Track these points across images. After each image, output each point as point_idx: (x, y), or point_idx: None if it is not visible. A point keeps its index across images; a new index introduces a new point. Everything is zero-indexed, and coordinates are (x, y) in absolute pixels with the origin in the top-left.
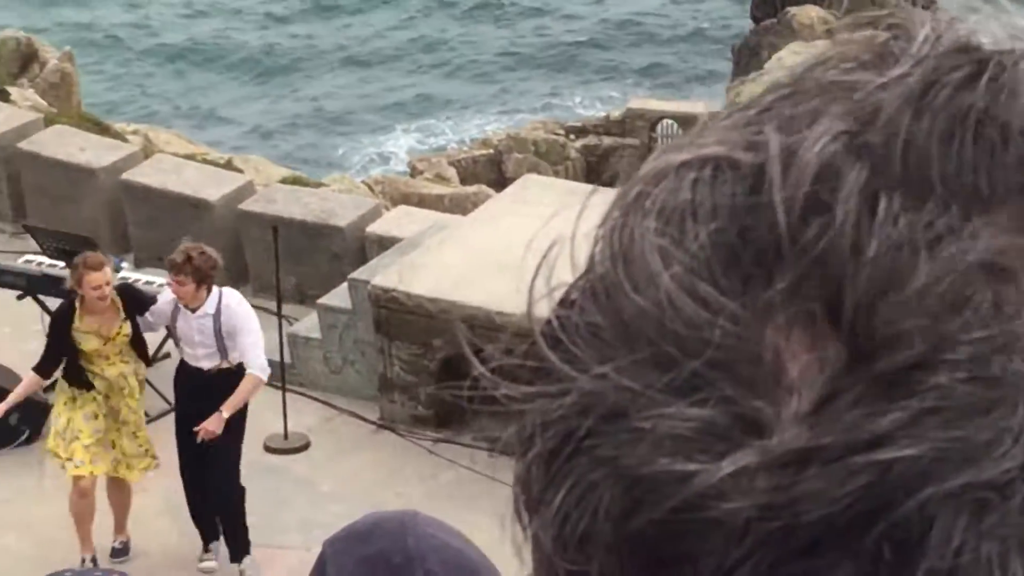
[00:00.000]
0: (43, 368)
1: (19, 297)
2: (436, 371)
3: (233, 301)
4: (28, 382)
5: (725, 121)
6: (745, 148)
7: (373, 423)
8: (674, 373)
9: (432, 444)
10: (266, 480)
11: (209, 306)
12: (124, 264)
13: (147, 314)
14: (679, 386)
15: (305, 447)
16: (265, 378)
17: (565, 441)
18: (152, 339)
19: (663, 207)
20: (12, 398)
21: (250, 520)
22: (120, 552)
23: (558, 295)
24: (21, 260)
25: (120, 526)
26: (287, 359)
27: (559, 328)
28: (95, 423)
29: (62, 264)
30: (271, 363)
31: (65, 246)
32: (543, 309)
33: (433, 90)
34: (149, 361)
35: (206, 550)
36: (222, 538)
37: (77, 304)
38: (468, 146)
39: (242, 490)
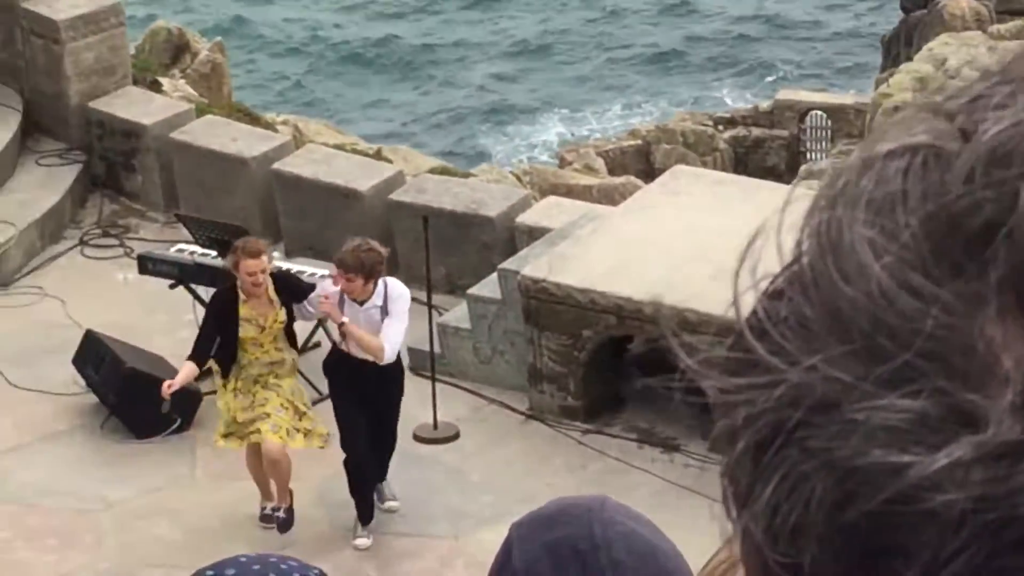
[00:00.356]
0: (198, 356)
1: (172, 286)
2: (586, 362)
3: (397, 291)
4: (186, 371)
5: (929, 110)
6: (955, 137)
7: (522, 413)
8: (886, 364)
9: (581, 434)
10: (415, 470)
11: (377, 298)
12: (275, 254)
13: (305, 303)
14: (891, 377)
15: (455, 437)
16: (384, 359)
17: (774, 433)
18: (300, 329)
19: (871, 197)
20: (177, 384)
21: (399, 510)
22: (283, 521)
23: (763, 286)
24: (173, 249)
25: (282, 493)
26: (437, 349)
27: (766, 320)
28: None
29: (214, 253)
30: (421, 353)
31: (217, 235)
32: (748, 301)
33: (578, 82)
34: (299, 350)
35: (362, 524)
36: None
37: (239, 287)
38: (616, 137)
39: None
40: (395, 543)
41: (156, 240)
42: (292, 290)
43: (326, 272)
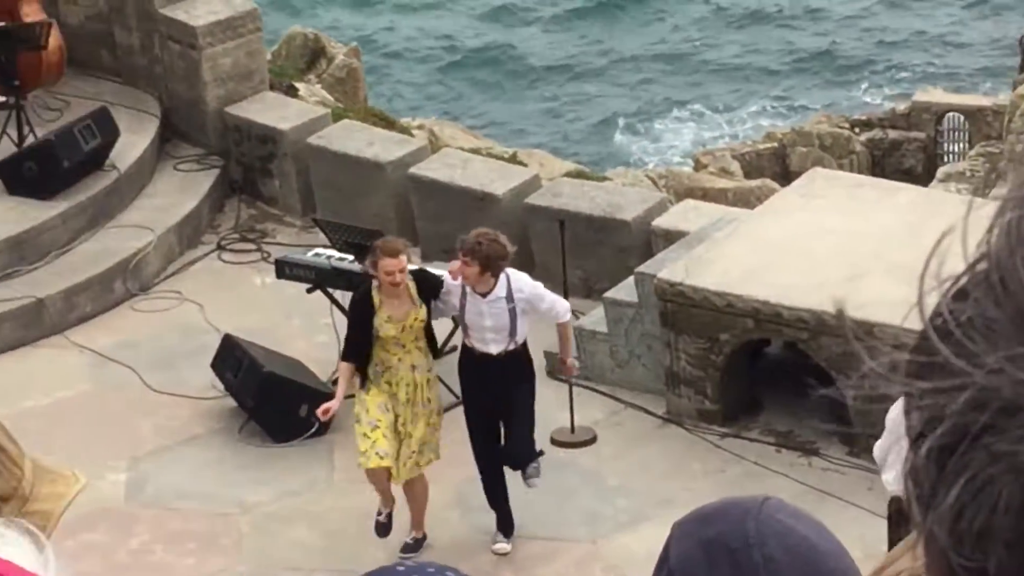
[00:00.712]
0: (350, 356)
1: (309, 290)
2: (723, 365)
3: (522, 281)
4: (344, 374)
5: None
6: None
7: (659, 417)
8: None
9: (719, 438)
10: (552, 473)
11: (500, 290)
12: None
13: (438, 301)
14: None
15: (592, 441)
16: (567, 316)
17: (959, 436)
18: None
19: None
20: (340, 394)
21: (536, 513)
22: (411, 548)
23: (948, 288)
24: (310, 254)
25: (417, 523)
26: (574, 352)
27: (952, 322)
28: (389, 416)
29: (351, 257)
30: (558, 357)
31: (353, 240)
32: (932, 301)
33: (709, 86)
34: (437, 353)
35: (503, 534)
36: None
37: (375, 290)
38: (752, 140)
39: (535, 452)
40: (532, 547)
41: (293, 244)
42: (430, 286)
43: None
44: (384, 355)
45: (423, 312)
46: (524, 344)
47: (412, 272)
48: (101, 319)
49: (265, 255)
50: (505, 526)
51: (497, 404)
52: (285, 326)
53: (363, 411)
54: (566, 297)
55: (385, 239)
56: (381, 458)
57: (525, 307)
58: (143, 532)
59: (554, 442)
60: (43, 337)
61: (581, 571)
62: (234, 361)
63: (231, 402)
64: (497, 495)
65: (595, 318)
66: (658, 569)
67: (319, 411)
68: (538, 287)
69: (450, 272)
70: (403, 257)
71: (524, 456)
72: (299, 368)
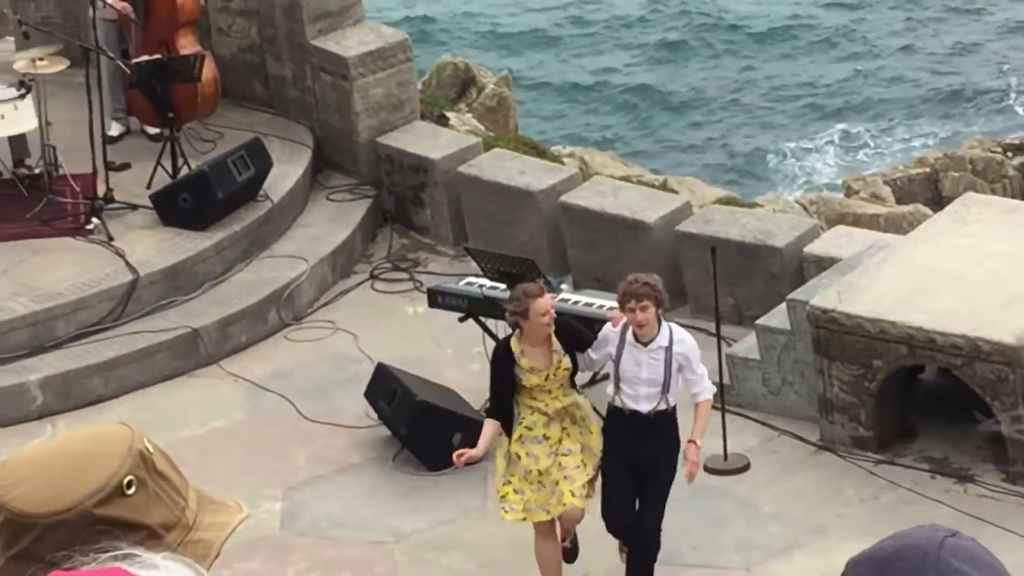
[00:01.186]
0: (496, 411)
1: (461, 319)
2: (877, 392)
3: (684, 334)
4: (488, 430)
5: None
6: None
7: (813, 444)
8: None
9: (873, 465)
10: (706, 501)
11: (662, 339)
12: (563, 286)
13: (589, 351)
14: None
15: (745, 468)
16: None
17: None
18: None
19: None
20: (482, 447)
21: (690, 540)
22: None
23: None
24: (463, 283)
25: (566, 533)
26: (726, 380)
27: None
28: (540, 463)
29: (503, 287)
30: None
31: (506, 269)
32: None
33: (856, 111)
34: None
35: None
36: None
37: (514, 341)
38: (903, 165)
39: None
40: (686, 574)
41: (445, 273)
42: (575, 339)
43: (614, 304)
44: (533, 403)
45: (567, 361)
46: (674, 409)
47: (556, 321)
48: (255, 349)
49: (417, 284)
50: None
51: (639, 465)
52: (437, 355)
53: (503, 464)
54: (718, 325)
55: (524, 287)
56: (505, 512)
57: (682, 361)
58: (299, 561)
59: (707, 469)
60: (198, 367)
61: None
62: (387, 390)
63: (384, 431)
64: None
65: (747, 345)
66: None
67: (456, 456)
68: (697, 349)
69: (612, 321)
70: (548, 296)
71: (654, 528)
72: (452, 397)
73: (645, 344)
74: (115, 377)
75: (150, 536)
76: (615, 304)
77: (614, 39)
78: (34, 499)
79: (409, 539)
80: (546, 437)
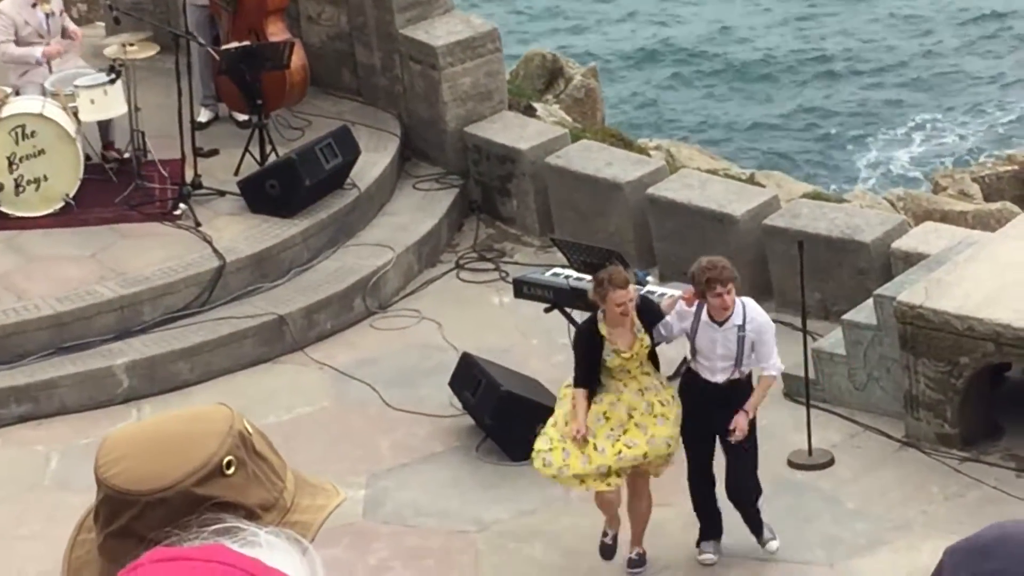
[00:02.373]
0: (583, 382)
1: (547, 310)
2: (963, 389)
3: (757, 311)
4: (580, 398)
5: None
6: None
7: (898, 440)
8: None
9: (958, 462)
10: (790, 496)
11: (736, 317)
12: (649, 278)
13: (659, 326)
14: None
15: (829, 463)
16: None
17: None
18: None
19: None
20: (581, 417)
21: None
22: (636, 563)
23: None
24: (548, 273)
25: (638, 538)
26: (811, 375)
27: None
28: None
29: (588, 277)
30: (796, 379)
31: (592, 260)
32: None
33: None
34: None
35: (705, 541)
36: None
37: (600, 322)
38: (992, 162)
39: (760, 490)
40: (770, 569)
41: (531, 264)
42: (652, 312)
43: None
44: (613, 383)
45: (647, 339)
46: (749, 376)
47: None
48: (340, 336)
49: (503, 274)
50: (707, 532)
51: (716, 431)
52: (522, 345)
53: (561, 422)
54: (804, 319)
55: (610, 271)
56: (545, 465)
57: (755, 338)
58: (382, 548)
59: (791, 464)
60: (284, 354)
61: None
62: (472, 380)
63: (468, 420)
64: (703, 505)
65: (833, 340)
66: None
67: (572, 432)
68: (771, 324)
69: (685, 299)
70: (632, 288)
71: (750, 489)
72: (536, 387)
73: (720, 324)
74: (200, 362)
75: (248, 517)
76: None
77: (705, 32)
78: (134, 476)
79: (491, 529)
80: (607, 417)
